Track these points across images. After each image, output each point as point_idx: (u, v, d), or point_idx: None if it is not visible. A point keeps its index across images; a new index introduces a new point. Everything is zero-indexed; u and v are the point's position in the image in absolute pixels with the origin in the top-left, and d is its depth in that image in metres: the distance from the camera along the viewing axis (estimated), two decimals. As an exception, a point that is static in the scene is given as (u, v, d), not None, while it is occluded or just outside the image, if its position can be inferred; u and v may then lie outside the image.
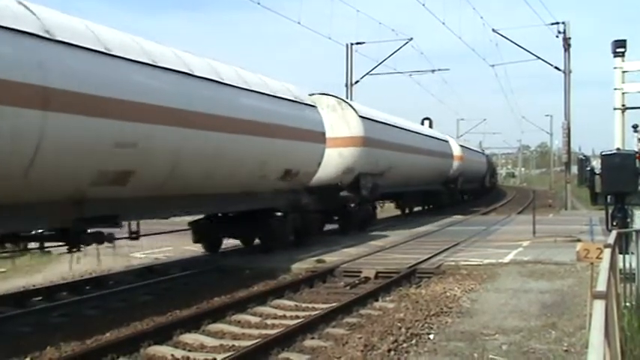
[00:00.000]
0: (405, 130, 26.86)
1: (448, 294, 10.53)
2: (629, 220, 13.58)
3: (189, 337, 8.09)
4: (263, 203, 15.16)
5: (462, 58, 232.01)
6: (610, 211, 14.40)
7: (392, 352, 7.19)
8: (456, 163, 36.48)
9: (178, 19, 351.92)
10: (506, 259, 14.03)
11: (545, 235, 18.21)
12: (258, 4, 22.23)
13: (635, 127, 17.89)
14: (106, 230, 10.42)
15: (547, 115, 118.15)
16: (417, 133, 28.90)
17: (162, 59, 11.04)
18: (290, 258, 14.35)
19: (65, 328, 8.57)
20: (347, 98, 36.02)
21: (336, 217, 20.67)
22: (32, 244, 10.48)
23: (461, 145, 39.86)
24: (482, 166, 51.93)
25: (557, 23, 35.04)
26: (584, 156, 16.25)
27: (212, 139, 12.07)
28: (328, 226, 20.64)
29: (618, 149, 15.00)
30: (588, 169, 14.79)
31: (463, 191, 43.40)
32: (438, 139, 33.96)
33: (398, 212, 31.48)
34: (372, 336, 7.84)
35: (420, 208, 33.95)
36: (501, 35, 35.85)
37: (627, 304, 8.55)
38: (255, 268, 13.30)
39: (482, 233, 20.23)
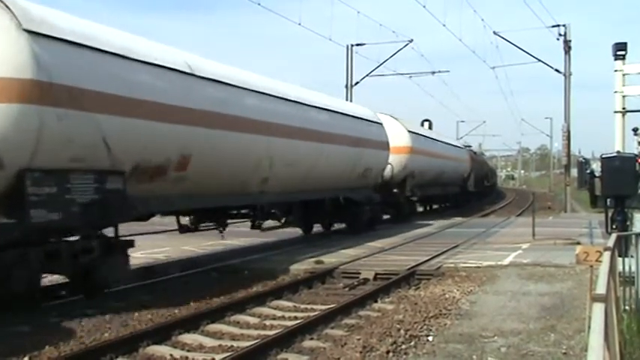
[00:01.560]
0: (239, 88, 13.30)
1: (447, 296, 10.52)
2: (628, 223, 13.59)
3: (188, 338, 8.08)
4: None
5: (463, 60, 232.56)
6: (610, 214, 14.44)
7: (391, 354, 7.18)
8: (398, 158, 24.48)
9: (178, 20, 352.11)
10: (506, 262, 14.02)
11: (545, 237, 18.20)
12: (259, 4, 22.20)
13: (635, 130, 17.91)
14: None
15: (547, 118, 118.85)
16: (275, 97, 14.83)
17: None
18: (289, 259, 14.34)
19: (63, 328, 8.55)
20: (347, 100, 35.88)
21: None
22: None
23: (410, 132, 26.56)
24: (460, 165, 38.28)
25: (558, 26, 35.04)
26: (584, 159, 16.26)
27: None
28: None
29: (618, 152, 15.04)
30: (588, 171, 14.84)
31: (425, 199, 32.47)
32: (352, 116, 19.71)
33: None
34: (371, 337, 7.83)
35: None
36: (502, 37, 35.87)
37: (626, 307, 8.55)
38: (254, 269, 13.29)
39: (481, 235, 20.21)
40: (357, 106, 22.73)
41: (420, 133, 29.09)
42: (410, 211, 27.77)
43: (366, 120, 21.25)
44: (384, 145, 22.29)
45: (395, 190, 25.15)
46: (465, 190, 40.62)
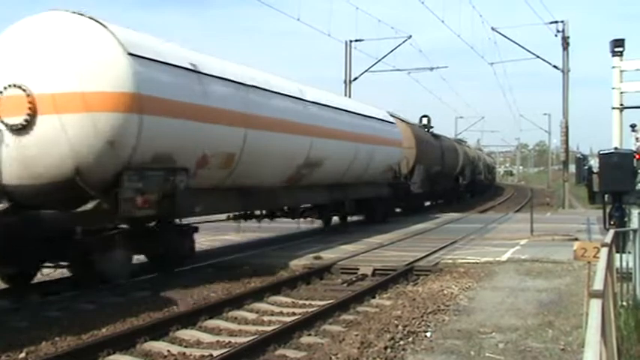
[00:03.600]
0: None
1: (445, 292, 10.53)
2: (626, 219, 13.60)
3: (186, 333, 8.08)
4: None
5: (461, 56, 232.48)
6: (607, 210, 14.46)
7: (388, 350, 7.17)
8: (87, 121, 9.53)
9: (175, 15, 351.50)
10: (504, 258, 14.04)
11: (543, 233, 18.22)
12: (257, -1, 22.04)
13: (632, 126, 17.94)
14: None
15: (545, 114, 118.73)
16: None
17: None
18: (288, 254, 14.34)
19: (61, 323, 8.54)
20: (345, 95, 35.98)
21: None
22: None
23: (133, 55, 9.96)
24: (384, 151, 21.83)
25: (556, 22, 35.12)
26: (582, 155, 16.31)
27: None
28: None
29: (616, 148, 15.06)
30: (586, 167, 14.87)
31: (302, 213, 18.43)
32: None
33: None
34: (369, 333, 7.83)
35: None
36: (500, 34, 35.92)
37: (624, 303, 8.57)
38: (252, 265, 13.28)
39: (479, 231, 20.22)
40: None
41: (191, 63, 11.72)
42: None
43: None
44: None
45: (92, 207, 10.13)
46: (404, 192, 25.06)
